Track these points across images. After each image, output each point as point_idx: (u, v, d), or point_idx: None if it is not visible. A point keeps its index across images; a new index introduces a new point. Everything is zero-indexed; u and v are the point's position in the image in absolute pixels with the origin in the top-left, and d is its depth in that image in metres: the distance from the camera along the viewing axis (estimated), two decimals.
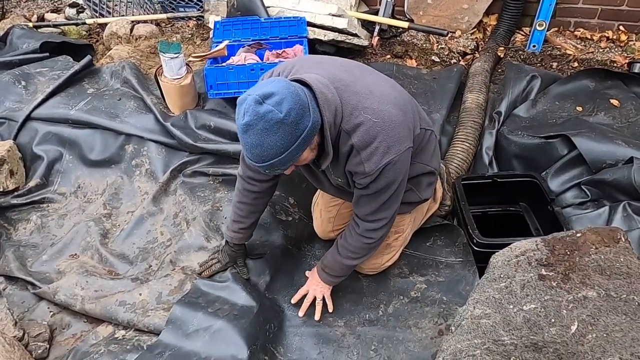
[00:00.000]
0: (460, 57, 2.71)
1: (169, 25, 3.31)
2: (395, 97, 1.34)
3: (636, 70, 2.31)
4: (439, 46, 2.72)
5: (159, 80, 2.24)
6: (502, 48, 2.66)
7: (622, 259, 1.26)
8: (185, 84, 2.22)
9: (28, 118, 2.29)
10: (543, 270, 1.27)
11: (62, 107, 2.31)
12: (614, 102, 2.13)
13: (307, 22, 2.48)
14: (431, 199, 1.82)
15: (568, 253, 1.29)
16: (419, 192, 1.62)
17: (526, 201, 2.09)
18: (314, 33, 2.48)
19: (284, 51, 2.40)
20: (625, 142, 1.84)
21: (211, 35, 2.70)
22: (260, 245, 1.85)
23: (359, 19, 2.68)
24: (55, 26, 3.26)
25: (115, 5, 3.33)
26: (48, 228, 2.06)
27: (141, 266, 1.87)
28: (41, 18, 3.47)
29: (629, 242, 1.32)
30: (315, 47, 2.57)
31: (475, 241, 1.79)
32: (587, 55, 2.47)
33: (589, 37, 2.58)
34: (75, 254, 1.93)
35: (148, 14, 3.32)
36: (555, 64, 2.49)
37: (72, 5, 3.51)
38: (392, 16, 2.78)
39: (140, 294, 1.67)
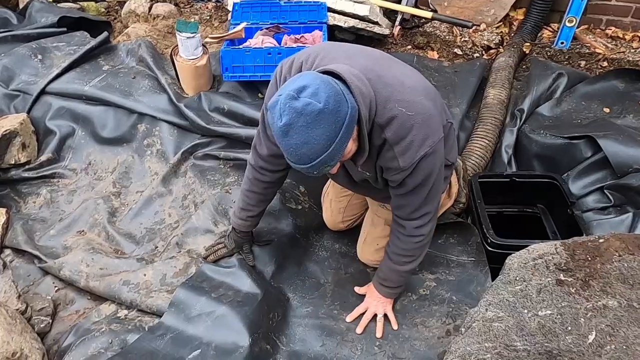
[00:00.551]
0: (483, 51, 2.62)
1: (188, 5, 3.27)
2: (425, 87, 1.30)
3: None
4: (462, 39, 2.63)
5: (174, 60, 2.21)
6: (528, 44, 2.57)
7: None
8: (201, 65, 2.19)
9: (42, 92, 2.28)
10: (562, 275, 1.21)
11: (76, 83, 2.29)
12: None
13: (328, 7, 2.42)
14: (445, 194, 1.76)
15: (589, 259, 1.23)
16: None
17: (544, 203, 2.02)
18: (334, 19, 2.41)
19: (302, 36, 2.34)
20: None
21: (229, 17, 2.65)
22: (268, 232, 1.81)
23: (381, 7, 2.60)
24: (74, 1, 3.24)
25: None
26: (57, 203, 2.05)
27: (147, 247, 1.85)
28: None
29: None
30: (334, 33, 2.51)
31: (489, 241, 1.73)
32: (618, 55, 2.36)
33: (621, 36, 2.47)
34: (83, 231, 1.92)
35: None
36: (583, 63, 2.39)
37: None
38: (416, 5, 2.69)
39: (145, 275, 1.66)
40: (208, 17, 3.11)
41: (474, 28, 2.68)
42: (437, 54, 2.56)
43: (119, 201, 2.04)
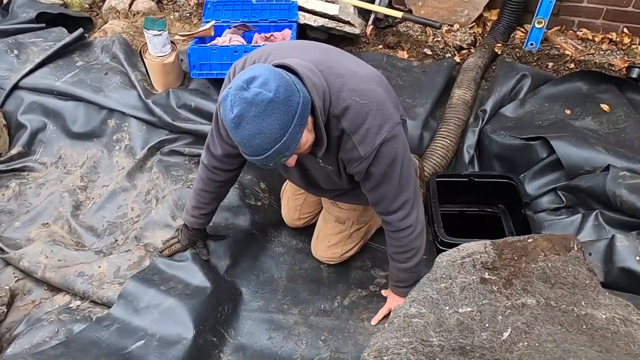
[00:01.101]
0: (456, 52, 2.63)
1: (170, 2, 3.30)
2: (377, 76, 1.31)
3: (634, 75, 2.21)
4: (435, 39, 2.65)
5: (144, 57, 2.25)
6: (500, 44, 2.58)
7: (570, 269, 1.22)
8: (169, 62, 2.22)
9: (15, 87, 2.33)
10: (486, 273, 1.23)
11: (48, 78, 2.33)
12: (605, 107, 2.04)
13: (299, 6, 2.44)
14: None
15: (515, 258, 1.25)
16: None
17: (504, 203, 2.04)
18: (304, 18, 2.44)
19: (272, 35, 2.37)
20: (606, 149, 1.77)
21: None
22: (225, 227, 1.85)
23: (355, 7, 2.62)
24: None
25: None
26: (25, 196, 2.10)
27: (107, 240, 1.89)
28: None
29: (581, 251, 1.27)
30: (306, 32, 2.53)
31: (439, 240, 1.76)
32: (586, 57, 2.37)
33: (591, 38, 2.48)
34: (47, 223, 1.97)
35: None
36: (551, 64, 2.39)
37: None
38: (390, 5, 2.71)
39: (100, 267, 1.70)
40: (188, 15, 3.14)
41: (447, 28, 2.69)
42: (407, 53, 2.57)
43: (85, 195, 2.09)
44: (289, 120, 1.05)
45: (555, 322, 1.12)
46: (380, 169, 1.26)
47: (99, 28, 3.01)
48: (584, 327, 1.11)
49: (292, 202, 1.84)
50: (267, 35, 2.37)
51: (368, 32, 2.66)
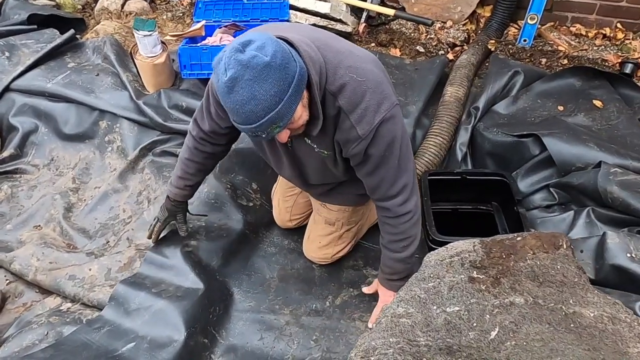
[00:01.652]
0: (449, 49, 2.62)
1: (163, 2, 3.29)
2: (373, 59, 1.27)
3: (627, 71, 2.20)
4: (428, 36, 2.64)
5: (134, 58, 2.24)
6: (493, 41, 2.57)
7: (558, 267, 1.22)
8: (160, 63, 2.21)
9: (7, 89, 2.32)
10: (475, 272, 1.23)
11: (40, 80, 2.33)
12: (597, 103, 2.03)
13: (290, 5, 2.43)
14: None
15: (504, 257, 1.25)
16: None
17: (498, 200, 2.03)
18: (295, 17, 2.43)
19: None
20: (598, 145, 1.76)
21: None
22: (217, 228, 1.84)
23: (347, 5, 2.61)
24: None
25: None
26: (17, 198, 2.10)
27: (99, 241, 1.89)
28: None
29: (571, 249, 1.27)
30: None
31: (431, 238, 1.75)
32: (579, 53, 2.36)
33: (585, 33, 2.46)
34: (39, 226, 1.96)
35: None
36: (544, 60, 2.38)
37: None
38: (382, 3, 2.70)
39: (90, 269, 1.70)
40: (181, 15, 3.13)
41: (440, 25, 2.68)
42: (400, 51, 2.56)
43: (77, 196, 2.08)
44: (285, 88, 1.00)
45: (543, 321, 1.11)
46: (379, 151, 1.21)
47: (92, 29, 3.01)
48: (572, 325, 1.10)
49: (283, 203, 1.84)
50: None
51: (360, 30, 2.65)
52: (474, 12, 2.72)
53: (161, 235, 1.72)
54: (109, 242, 1.89)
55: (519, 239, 1.28)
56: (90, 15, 3.21)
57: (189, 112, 2.20)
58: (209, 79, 2.22)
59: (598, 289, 1.20)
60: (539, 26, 2.47)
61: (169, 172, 2.09)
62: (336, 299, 1.72)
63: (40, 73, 2.37)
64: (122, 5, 3.07)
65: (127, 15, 3.06)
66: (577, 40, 2.45)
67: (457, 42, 2.63)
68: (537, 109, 2.12)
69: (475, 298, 1.17)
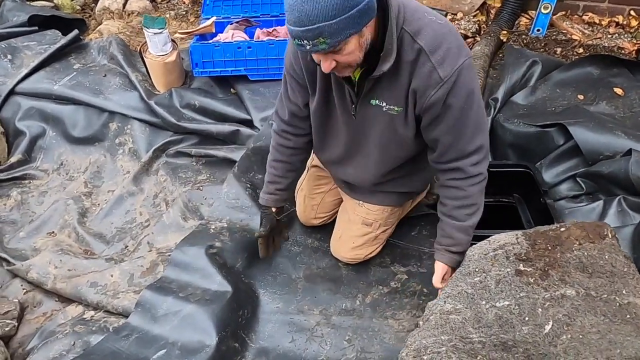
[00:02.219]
0: None
1: (164, 1, 3.23)
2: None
3: None
4: None
5: (144, 57, 2.18)
6: (505, 32, 2.54)
7: (606, 257, 1.19)
8: (170, 61, 2.16)
9: (11, 92, 2.25)
10: (521, 265, 1.19)
11: (46, 82, 2.26)
12: (618, 90, 2.01)
13: None
14: None
15: (549, 248, 1.22)
16: (423, 181, 1.55)
17: (520, 192, 2.00)
18: None
19: (274, 29, 2.31)
20: (625, 133, 1.74)
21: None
22: (240, 229, 1.79)
23: None
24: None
25: None
26: (28, 205, 2.03)
27: (117, 246, 1.84)
28: None
29: (616, 238, 1.24)
30: None
31: None
32: (594, 41, 2.34)
33: (598, 22, 2.45)
34: (53, 232, 1.90)
35: None
36: (559, 50, 2.36)
37: None
38: None
39: (112, 275, 1.64)
40: (184, 13, 3.07)
41: (450, 17, 2.65)
42: None
43: (90, 201, 2.02)
44: (348, 7, 0.95)
45: (597, 313, 1.08)
46: (459, 101, 1.14)
47: (93, 29, 2.93)
48: (628, 316, 1.07)
49: (309, 201, 1.79)
50: (270, 30, 2.31)
51: None
52: (484, 3, 2.69)
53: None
54: (127, 246, 1.83)
55: (562, 229, 1.25)
56: (90, 16, 3.14)
57: (202, 111, 2.15)
58: (222, 76, 2.21)
59: None
60: (551, 16, 2.44)
61: (185, 173, 2.04)
62: (366, 298, 1.68)
63: (46, 75, 2.30)
64: (124, 5, 3.00)
65: (129, 14, 2.99)
66: (590, 29, 2.43)
67: (469, 34, 2.60)
68: (556, 98, 2.10)
69: (524, 292, 1.14)
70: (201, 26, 2.21)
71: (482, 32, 2.64)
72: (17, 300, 1.63)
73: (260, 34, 2.31)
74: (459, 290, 1.17)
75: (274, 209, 1.59)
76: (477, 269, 1.21)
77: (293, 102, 1.39)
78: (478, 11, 2.69)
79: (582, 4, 2.54)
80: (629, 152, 1.67)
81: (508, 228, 1.70)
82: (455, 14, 2.68)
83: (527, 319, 1.10)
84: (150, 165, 2.09)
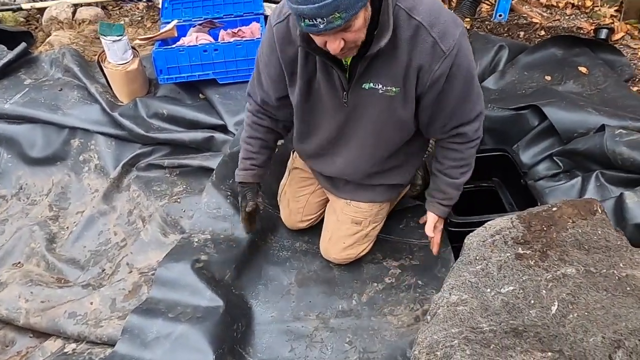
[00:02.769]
0: None
1: (117, 7, 3.07)
2: None
3: (602, 36, 2.26)
4: None
5: (103, 67, 2.05)
6: (468, 19, 2.57)
7: (599, 232, 1.21)
8: (132, 69, 2.04)
9: None
10: (520, 248, 1.19)
11: None
12: (582, 69, 2.08)
13: None
14: None
15: (545, 229, 1.22)
16: (411, 172, 1.54)
17: (499, 176, 2.03)
18: (270, 9, 2.32)
19: (239, 30, 2.24)
20: (596, 109, 1.79)
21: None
22: (225, 239, 1.71)
23: None
24: None
25: None
26: None
27: (93, 271, 1.72)
28: None
29: (605, 213, 1.27)
30: None
31: (449, 221, 1.71)
32: (554, 23, 2.41)
33: (555, 4, 2.52)
34: (19, 263, 1.76)
35: None
36: (522, 33, 2.41)
37: None
38: None
39: (92, 303, 1.53)
40: (139, 18, 2.93)
41: None
42: None
43: (58, 225, 1.88)
44: None
45: (599, 288, 1.09)
46: (463, 72, 1.14)
47: (42, 41, 2.75)
48: (628, 289, 1.09)
49: (294, 204, 1.74)
50: (235, 30, 2.23)
51: None
52: None
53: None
54: (105, 270, 1.71)
55: (554, 209, 1.26)
56: (36, 28, 2.94)
57: (171, 119, 2.05)
58: (189, 82, 2.11)
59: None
60: (512, 1, 2.50)
61: (159, 187, 1.93)
62: (362, 297, 1.64)
63: None
64: (73, 14, 2.83)
65: (79, 23, 2.82)
66: (548, 12, 2.50)
67: None
68: (525, 81, 2.14)
69: (527, 275, 1.14)
70: (162, 31, 2.10)
71: None
72: None
73: (224, 35, 2.23)
74: (463, 280, 1.16)
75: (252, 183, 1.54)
76: (477, 257, 1.20)
77: (265, 92, 1.37)
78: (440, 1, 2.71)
79: None
80: (602, 128, 1.72)
81: (491, 212, 1.73)
82: None
83: (533, 302, 1.09)
84: (121, 181, 1.98)
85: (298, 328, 1.55)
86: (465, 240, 1.26)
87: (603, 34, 2.25)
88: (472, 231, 1.71)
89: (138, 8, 3.05)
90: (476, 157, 1.88)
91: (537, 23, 2.44)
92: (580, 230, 1.21)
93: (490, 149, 1.97)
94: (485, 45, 2.24)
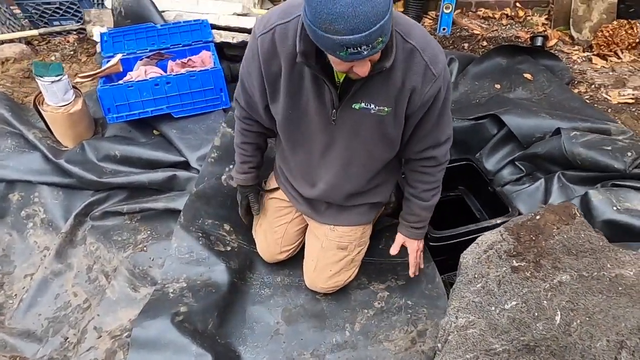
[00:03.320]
0: None
1: (43, 42, 2.83)
2: None
3: (539, 44, 2.42)
4: None
5: (41, 110, 1.86)
6: None
7: (582, 235, 1.25)
8: (76, 111, 1.87)
9: None
10: (514, 261, 1.21)
11: None
12: (528, 76, 2.20)
13: (211, 24, 2.23)
14: None
15: (533, 238, 1.25)
16: (390, 190, 1.55)
17: (464, 184, 2.08)
18: (220, 36, 2.24)
19: (189, 59, 2.13)
20: (549, 114, 1.89)
21: (98, 50, 2.33)
22: (202, 284, 1.59)
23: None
24: None
25: None
26: None
27: (54, 342, 1.52)
28: None
29: (582, 215, 1.32)
30: (224, 51, 2.33)
31: (429, 236, 1.71)
32: (493, 34, 2.54)
33: (491, 15, 2.67)
34: None
35: (13, 31, 2.80)
36: (466, 45, 2.52)
37: None
38: None
39: None
40: (72, 52, 2.72)
41: None
42: None
43: (4, 294, 1.66)
44: (388, 2, 0.93)
45: (595, 292, 1.13)
46: (445, 94, 1.20)
47: None
48: (620, 288, 1.13)
49: (271, 235, 1.66)
50: (184, 60, 2.12)
51: None
52: None
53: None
54: (68, 339, 1.52)
55: (538, 217, 1.30)
56: None
57: (125, 161, 1.89)
58: (140, 119, 1.96)
59: (619, 246, 1.26)
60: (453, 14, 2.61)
61: (120, 236, 1.77)
62: (354, 326, 1.59)
63: None
64: None
65: (2, 62, 2.56)
66: (486, 23, 2.64)
67: None
68: (477, 90, 2.23)
69: (526, 287, 1.15)
70: (106, 66, 1.94)
71: None
72: None
73: (174, 66, 2.11)
74: (467, 301, 1.15)
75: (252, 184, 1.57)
76: (476, 275, 1.20)
77: (250, 97, 1.33)
78: None
79: (474, 1, 2.76)
80: (557, 131, 1.82)
81: (460, 220, 1.77)
82: None
83: (537, 314, 1.10)
84: (74, 234, 1.78)
85: None
86: (460, 260, 1.26)
87: (539, 41, 2.40)
88: (449, 243, 1.73)
89: (68, 41, 2.84)
90: None
91: (478, 34, 2.56)
92: (565, 236, 1.25)
93: (455, 159, 2.01)
94: None
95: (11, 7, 2.83)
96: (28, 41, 2.78)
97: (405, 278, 1.72)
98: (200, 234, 1.69)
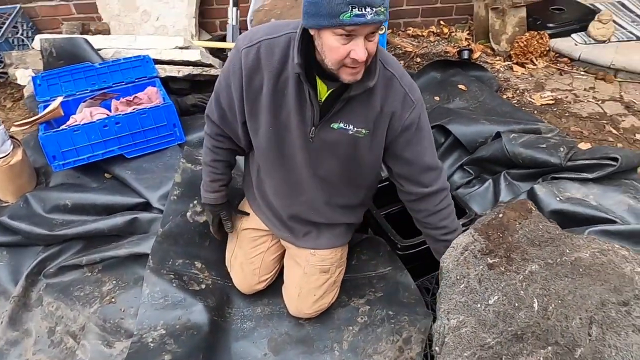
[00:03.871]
0: None
1: None
2: None
3: (466, 57, 2.65)
4: None
5: None
6: None
7: (541, 227, 1.39)
8: (17, 162, 1.73)
9: None
10: (488, 259, 1.30)
11: None
12: (462, 87, 2.40)
13: (153, 59, 2.19)
14: None
15: (501, 235, 1.36)
16: (364, 210, 1.59)
17: None
18: (164, 71, 2.20)
19: (135, 97, 2.07)
20: (487, 120, 2.08)
21: (27, 94, 2.19)
22: (182, 327, 1.53)
23: (207, 48, 2.48)
24: None
25: None
26: None
27: None
28: None
29: (537, 209, 1.46)
30: (169, 85, 2.28)
31: (399, 246, 1.79)
32: (424, 50, 2.74)
33: (420, 33, 2.88)
34: None
35: None
36: (402, 62, 2.69)
37: None
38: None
39: None
40: None
41: None
42: None
43: None
44: None
45: (561, 276, 1.25)
46: (424, 121, 1.25)
47: None
48: (581, 270, 1.27)
49: (248, 266, 1.64)
50: (129, 98, 2.05)
51: None
52: None
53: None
54: None
55: (500, 215, 1.42)
56: None
57: (78, 210, 1.78)
58: (89, 163, 1.85)
59: (572, 232, 1.41)
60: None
61: (81, 291, 1.64)
62: (342, 345, 1.61)
63: None
64: None
65: None
66: (416, 41, 2.84)
67: None
68: None
69: (503, 281, 1.25)
70: (45, 111, 1.82)
71: None
72: None
73: (118, 105, 2.03)
74: (454, 302, 1.22)
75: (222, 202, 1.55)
76: (458, 277, 1.27)
77: (223, 107, 1.31)
78: None
79: (402, 21, 2.96)
80: (498, 135, 2.00)
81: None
82: None
83: (517, 304, 1.20)
84: (27, 296, 1.63)
85: None
86: (441, 264, 1.33)
87: (466, 54, 2.64)
88: (420, 251, 1.82)
89: None
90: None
91: (411, 51, 2.75)
92: (527, 229, 1.37)
93: None
94: None
95: None
96: None
97: (382, 289, 1.77)
98: (173, 276, 1.62)
